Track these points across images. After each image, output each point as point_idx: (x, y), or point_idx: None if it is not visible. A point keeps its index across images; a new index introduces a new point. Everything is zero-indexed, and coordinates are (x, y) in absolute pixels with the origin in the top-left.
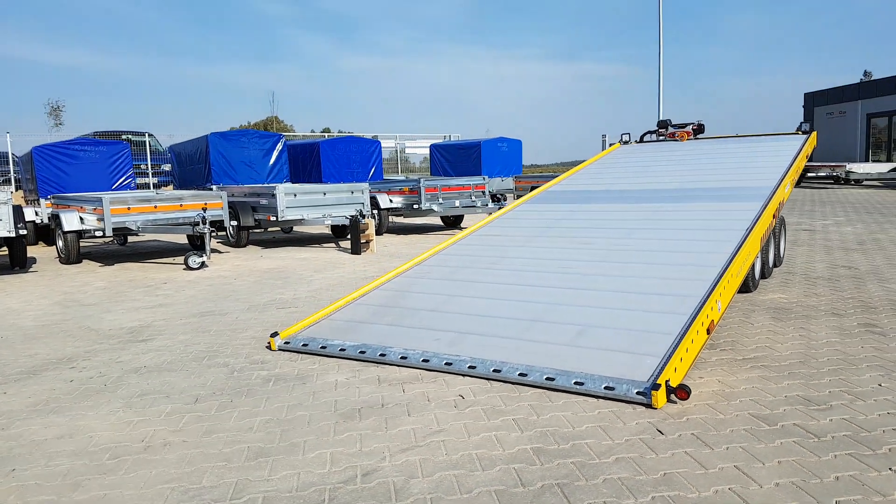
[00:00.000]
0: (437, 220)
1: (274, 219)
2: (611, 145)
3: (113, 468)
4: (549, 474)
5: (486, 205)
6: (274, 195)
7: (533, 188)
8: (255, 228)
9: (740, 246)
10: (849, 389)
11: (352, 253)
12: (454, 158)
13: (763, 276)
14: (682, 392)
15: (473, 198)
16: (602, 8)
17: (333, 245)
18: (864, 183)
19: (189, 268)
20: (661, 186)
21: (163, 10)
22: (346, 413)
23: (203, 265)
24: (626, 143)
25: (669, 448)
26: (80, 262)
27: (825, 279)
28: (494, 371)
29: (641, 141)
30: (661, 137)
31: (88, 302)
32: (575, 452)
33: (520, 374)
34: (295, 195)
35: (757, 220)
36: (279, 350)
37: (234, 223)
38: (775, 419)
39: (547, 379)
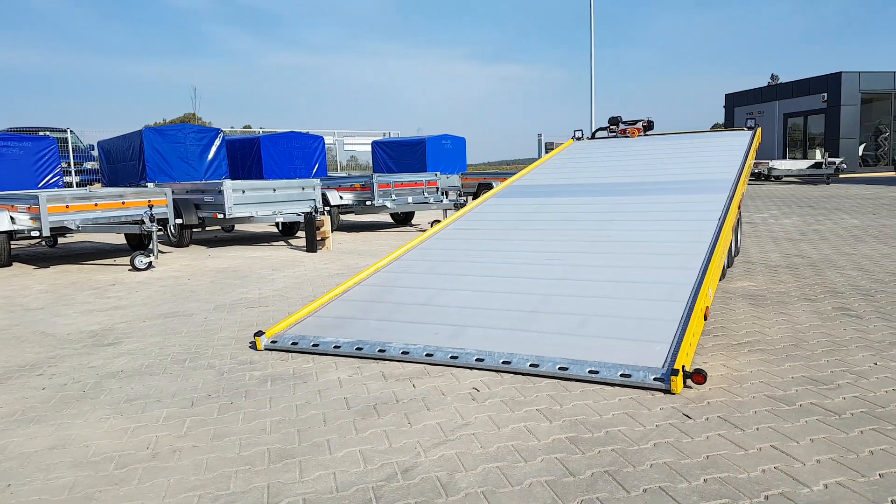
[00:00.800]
0: (387, 218)
1: (221, 216)
2: (545, 144)
3: (123, 478)
4: (595, 463)
5: (441, 201)
6: (221, 192)
7: (480, 185)
8: (199, 227)
9: (718, 235)
10: (848, 369)
11: (307, 251)
12: (398, 155)
13: (728, 265)
14: (698, 376)
15: (426, 194)
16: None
17: (283, 243)
18: (784, 179)
19: (136, 268)
20: (624, 180)
21: (67, 3)
22: (362, 410)
23: (150, 265)
24: (578, 139)
25: (702, 431)
26: (10, 265)
27: (784, 267)
28: (504, 363)
29: (593, 137)
30: (612, 134)
31: (33, 306)
32: (611, 440)
33: (531, 365)
34: (243, 191)
35: (727, 210)
36: (265, 350)
37: (180, 221)
38: (792, 399)
39: (560, 369)
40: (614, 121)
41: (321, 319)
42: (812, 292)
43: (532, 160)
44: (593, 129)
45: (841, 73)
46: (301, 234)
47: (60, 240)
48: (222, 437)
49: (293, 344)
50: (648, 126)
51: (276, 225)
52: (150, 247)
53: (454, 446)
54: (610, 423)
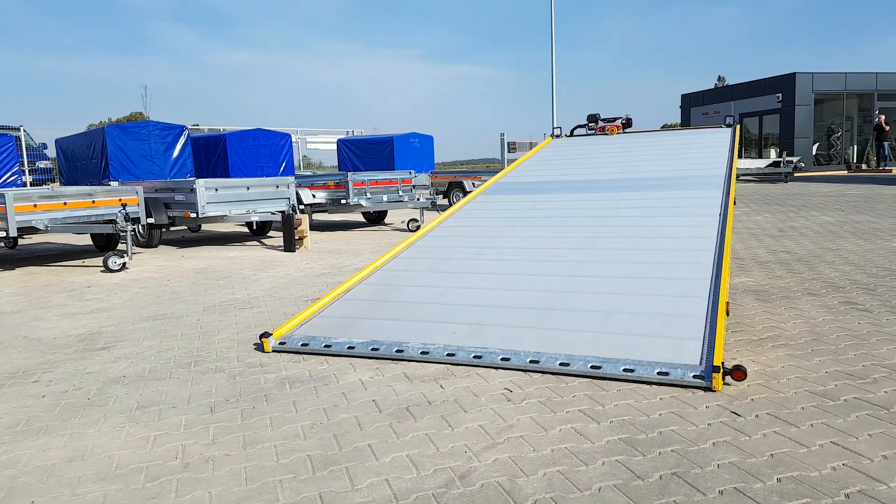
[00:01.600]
0: (359, 217)
1: (194, 215)
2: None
3: (159, 492)
4: (659, 465)
5: (417, 199)
6: (193, 190)
7: (451, 184)
8: (169, 227)
9: (724, 230)
10: (878, 363)
11: (285, 250)
12: (364, 154)
13: None
14: (738, 373)
15: (401, 192)
16: (480, 13)
17: (257, 243)
18: (741, 178)
19: (109, 269)
20: (615, 176)
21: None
22: (395, 413)
23: (124, 266)
24: (557, 136)
25: (757, 429)
26: None
27: (775, 263)
28: (532, 362)
29: (572, 134)
30: (591, 131)
31: (8, 310)
32: (668, 441)
33: (561, 364)
34: (216, 190)
35: (727, 205)
36: (273, 351)
37: (151, 220)
38: (835, 394)
39: (592, 367)
40: (593, 118)
41: (327, 320)
42: (813, 287)
43: (496, 160)
44: (571, 127)
45: (795, 73)
46: (274, 233)
47: (20, 241)
48: (255, 444)
49: (303, 345)
50: (627, 123)
51: (248, 225)
52: (125, 247)
53: (505, 450)
54: (660, 423)
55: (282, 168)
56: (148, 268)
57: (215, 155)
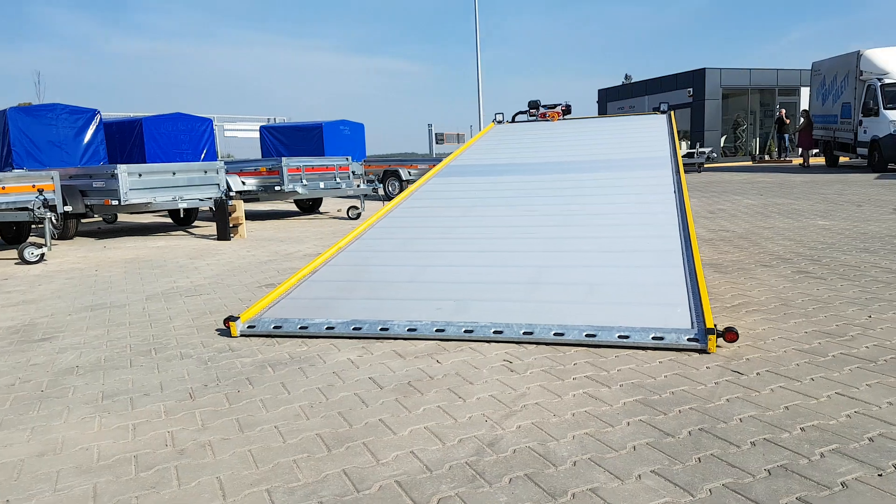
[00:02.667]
0: (291, 206)
1: (115, 203)
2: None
3: (159, 480)
4: (684, 422)
5: (358, 186)
6: (114, 175)
7: (386, 172)
8: (86, 217)
9: (683, 204)
10: (849, 322)
11: (219, 239)
12: (291, 141)
13: None
14: (731, 334)
15: (338, 179)
16: (396, 5)
17: (183, 232)
18: None
19: (25, 261)
20: (567, 158)
21: None
22: (398, 388)
23: (42, 258)
24: (500, 122)
25: (763, 385)
26: None
27: (719, 240)
28: (525, 333)
29: (513, 120)
30: (532, 117)
31: None
32: (683, 400)
33: (555, 334)
34: (140, 175)
35: (679, 183)
36: (242, 335)
37: (68, 209)
38: (822, 351)
39: (587, 336)
40: (534, 104)
41: (297, 301)
42: (763, 259)
43: (425, 153)
44: (513, 114)
45: (705, 69)
46: (200, 223)
47: None
48: (252, 426)
49: (276, 328)
50: (567, 110)
51: (172, 214)
52: (40, 238)
53: (526, 416)
54: (668, 384)
55: (203, 155)
56: (69, 259)
57: (130, 141)
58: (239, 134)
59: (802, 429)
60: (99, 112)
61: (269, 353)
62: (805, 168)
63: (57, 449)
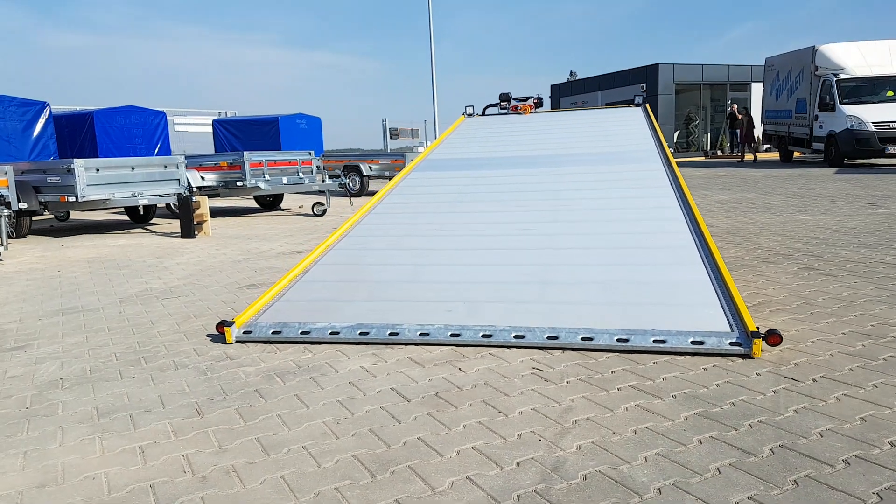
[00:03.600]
0: (250, 202)
1: (72, 200)
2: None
3: None
4: (761, 438)
5: (323, 181)
6: (71, 171)
7: (346, 167)
8: (37, 214)
9: (684, 200)
10: (884, 322)
11: (182, 237)
12: (245, 136)
13: None
14: (774, 337)
15: (301, 174)
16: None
17: (143, 230)
18: None
19: None
20: (548, 152)
21: None
22: (427, 401)
23: None
24: (470, 115)
25: (826, 393)
26: None
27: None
28: (550, 338)
29: (484, 114)
30: (503, 111)
31: None
32: (749, 412)
33: (583, 339)
34: (97, 170)
35: (674, 177)
36: (238, 342)
37: (24, 205)
38: (871, 354)
39: (619, 340)
40: (505, 97)
41: (294, 304)
42: (762, 256)
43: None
44: (483, 107)
45: (658, 64)
46: (159, 220)
47: None
48: (277, 447)
49: (275, 333)
50: (539, 103)
51: (129, 211)
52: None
53: (582, 434)
54: (724, 394)
55: (157, 149)
56: (27, 259)
57: (81, 135)
58: (190, 128)
59: (892, 444)
60: (48, 105)
61: (272, 361)
62: (740, 163)
63: (59, 478)
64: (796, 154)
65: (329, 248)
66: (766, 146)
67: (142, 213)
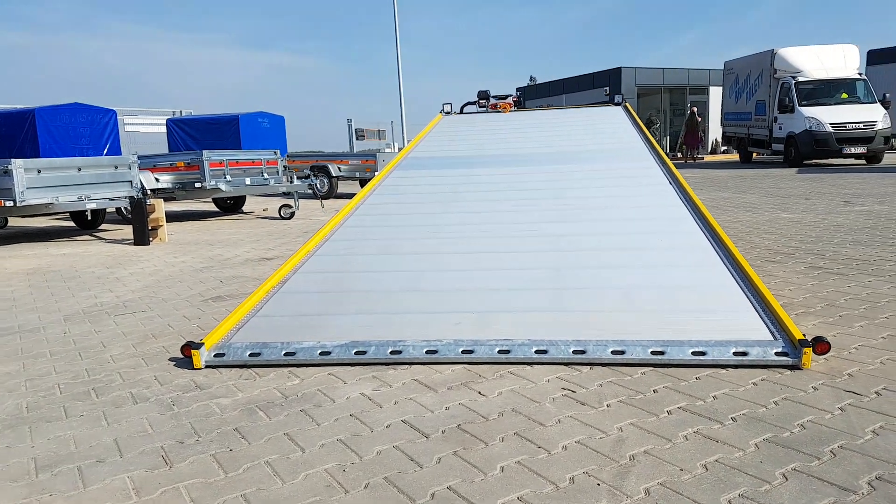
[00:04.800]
0: (207, 205)
1: (9, 204)
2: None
3: None
4: (853, 470)
5: (291, 181)
6: (8, 172)
7: (313, 168)
8: None
9: (687, 198)
10: None
11: (135, 243)
12: (202, 136)
13: None
14: (823, 345)
15: (266, 175)
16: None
17: (90, 236)
18: None
19: None
20: (538, 150)
21: None
22: (450, 437)
23: None
24: (448, 113)
25: None
26: None
27: None
28: (576, 352)
29: (462, 112)
30: (482, 108)
31: None
32: (824, 437)
33: (614, 353)
34: (39, 172)
35: (671, 174)
36: (208, 367)
37: None
38: None
39: (653, 353)
40: (484, 95)
41: (272, 319)
42: (765, 255)
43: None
44: (461, 105)
45: (620, 68)
46: (108, 226)
47: None
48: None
49: (253, 355)
50: (518, 101)
51: (75, 217)
52: None
53: (646, 474)
54: (788, 414)
55: (106, 150)
56: None
57: (21, 135)
58: (142, 129)
59: None
60: None
61: (252, 390)
62: (687, 163)
63: None
64: (755, 155)
65: (309, 254)
66: (723, 148)
67: (89, 218)
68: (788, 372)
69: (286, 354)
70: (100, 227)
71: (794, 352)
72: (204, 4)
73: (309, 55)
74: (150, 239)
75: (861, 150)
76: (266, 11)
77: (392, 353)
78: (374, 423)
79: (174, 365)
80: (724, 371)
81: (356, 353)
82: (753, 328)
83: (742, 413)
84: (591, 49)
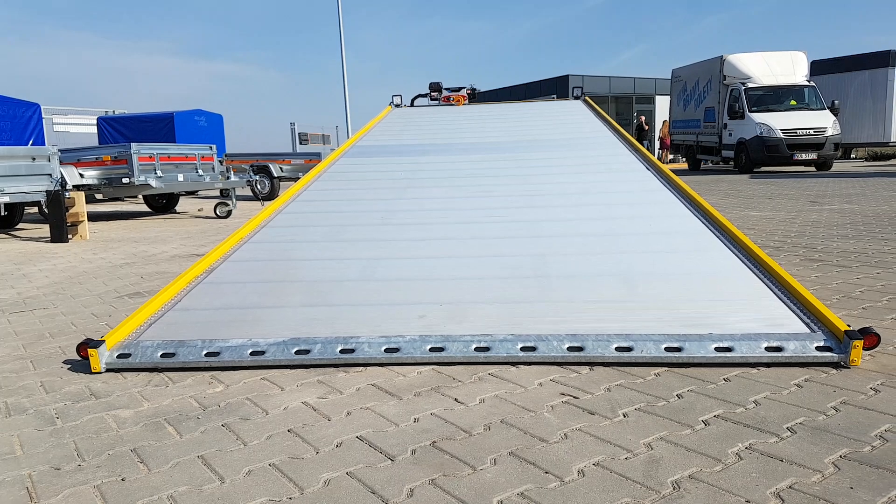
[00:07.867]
0: (139, 206)
1: None
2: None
3: None
4: None
5: (228, 178)
6: None
7: (253, 167)
8: None
9: (671, 183)
10: None
11: (52, 240)
12: (135, 134)
13: None
14: (871, 337)
15: (200, 171)
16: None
17: (4, 235)
18: None
19: None
20: (498, 139)
21: None
22: (423, 460)
23: None
24: (398, 105)
25: None
26: None
27: None
28: (571, 349)
29: (412, 105)
30: (434, 101)
31: None
32: None
33: (618, 349)
34: None
35: (649, 161)
36: (109, 370)
37: None
38: None
39: (668, 350)
40: (436, 87)
41: (192, 314)
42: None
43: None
44: (412, 97)
45: (568, 75)
46: (27, 224)
47: None
48: None
49: (165, 356)
50: (472, 94)
51: None
52: None
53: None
54: (858, 423)
55: (29, 145)
56: None
57: None
58: (72, 128)
59: None
60: None
61: (161, 399)
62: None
63: None
64: (704, 163)
65: (242, 240)
66: (670, 157)
67: (4, 213)
68: (834, 371)
69: (208, 355)
70: (16, 225)
71: (839, 346)
72: (144, 14)
73: (255, 64)
74: (70, 236)
75: (812, 156)
76: (208, 22)
77: (342, 351)
78: (321, 442)
79: (68, 369)
80: (754, 370)
81: (297, 353)
82: (783, 319)
83: (799, 422)
84: (539, 61)
